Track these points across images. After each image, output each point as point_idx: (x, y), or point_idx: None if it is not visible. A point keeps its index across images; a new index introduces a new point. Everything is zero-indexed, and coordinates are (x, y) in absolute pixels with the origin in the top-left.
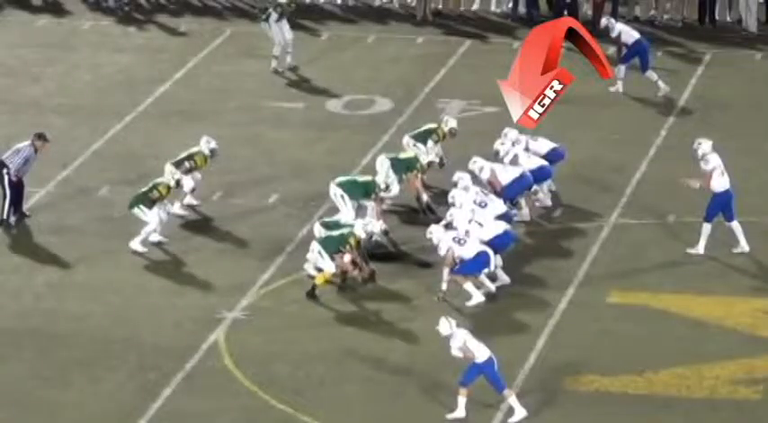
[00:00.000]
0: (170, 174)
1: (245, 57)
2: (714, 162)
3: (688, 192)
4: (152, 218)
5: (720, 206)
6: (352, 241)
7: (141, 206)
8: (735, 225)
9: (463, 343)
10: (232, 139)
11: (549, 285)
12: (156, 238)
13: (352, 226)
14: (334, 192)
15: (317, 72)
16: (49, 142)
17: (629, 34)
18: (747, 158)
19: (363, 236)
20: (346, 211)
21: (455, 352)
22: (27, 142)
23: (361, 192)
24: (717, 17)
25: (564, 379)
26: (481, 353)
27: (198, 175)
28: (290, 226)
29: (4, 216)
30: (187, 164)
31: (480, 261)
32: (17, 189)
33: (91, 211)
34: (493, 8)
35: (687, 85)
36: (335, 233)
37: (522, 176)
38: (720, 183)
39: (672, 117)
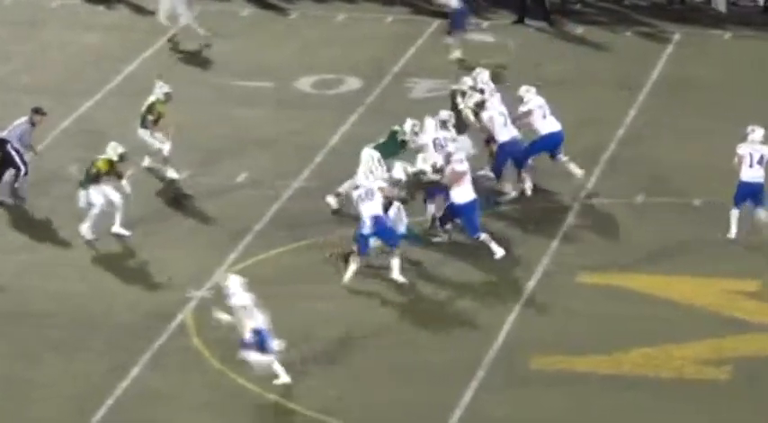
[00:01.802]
0: (113, 149)
1: (215, 36)
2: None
3: (657, 172)
4: (95, 199)
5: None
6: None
7: (86, 186)
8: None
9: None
10: (201, 118)
11: (518, 265)
12: (112, 228)
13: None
14: (371, 155)
15: (285, 51)
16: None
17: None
18: (716, 139)
19: (404, 178)
20: (381, 174)
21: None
22: (24, 118)
23: (392, 148)
24: None
25: (532, 358)
26: None
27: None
28: (259, 205)
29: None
30: (150, 117)
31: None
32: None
33: (60, 189)
34: None
35: (656, 65)
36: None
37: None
38: (747, 173)
39: (641, 97)
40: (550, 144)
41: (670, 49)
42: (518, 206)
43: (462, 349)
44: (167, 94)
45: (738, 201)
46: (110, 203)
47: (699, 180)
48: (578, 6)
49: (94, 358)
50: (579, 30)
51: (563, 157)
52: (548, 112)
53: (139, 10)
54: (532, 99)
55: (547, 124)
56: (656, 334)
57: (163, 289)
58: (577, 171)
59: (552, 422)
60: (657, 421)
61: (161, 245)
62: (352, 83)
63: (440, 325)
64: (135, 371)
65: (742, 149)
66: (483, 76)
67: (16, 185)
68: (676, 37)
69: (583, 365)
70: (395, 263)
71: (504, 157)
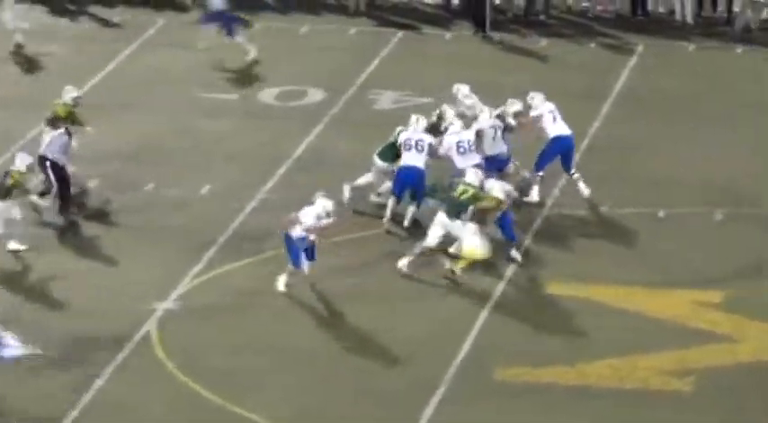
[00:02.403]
0: (20, 160)
1: (178, 47)
2: None
3: (622, 182)
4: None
5: None
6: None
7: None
8: None
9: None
10: (165, 129)
11: (484, 275)
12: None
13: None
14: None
15: (249, 63)
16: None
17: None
18: (680, 149)
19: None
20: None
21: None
22: (60, 130)
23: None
24: (649, 8)
25: (496, 370)
26: None
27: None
28: (223, 216)
29: (61, 208)
30: (50, 115)
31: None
32: (65, 181)
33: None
34: None
35: (620, 76)
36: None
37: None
38: None
39: (605, 108)
40: (561, 148)
41: (634, 60)
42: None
43: (426, 361)
44: (76, 99)
45: None
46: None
47: (664, 190)
48: (542, 18)
49: (58, 371)
50: (543, 42)
51: (575, 174)
52: (558, 116)
53: (103, 22)
54: (540, 104)
55: (557, 128)
56: (622, 345)
57: (127, 301)
58: (585, 191)
59: None
60: None
61: (125, 256)
62: (316, 94)
63: (403, 337)
64: (99, 383)
65: None
66: (463, 89)
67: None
68: (640, 48)
69: (547, 377)
70: (281, 278)
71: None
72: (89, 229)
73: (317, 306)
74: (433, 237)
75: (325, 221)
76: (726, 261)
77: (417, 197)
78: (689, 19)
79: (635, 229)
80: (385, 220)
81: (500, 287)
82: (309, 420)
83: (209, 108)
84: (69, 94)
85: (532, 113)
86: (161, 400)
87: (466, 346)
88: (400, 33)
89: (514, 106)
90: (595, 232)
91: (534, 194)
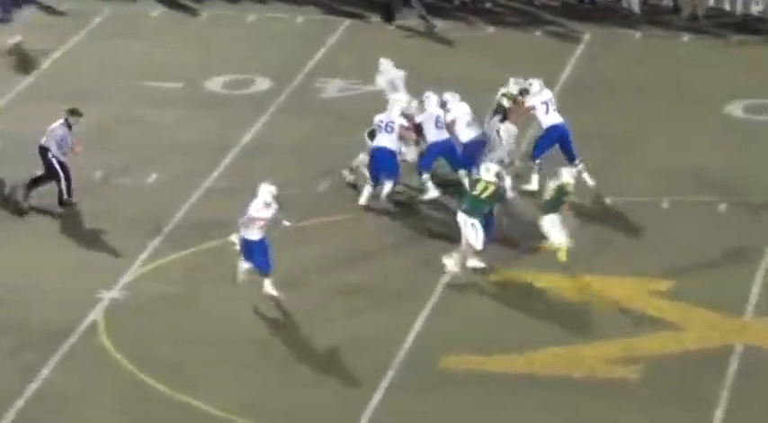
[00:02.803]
0: None
1: (125, 37)
2: None
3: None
4: None
5: None
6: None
7: None
8: None
9: None
10: (112, 118)
11: (428, 265)
12: None
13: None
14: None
15: (196, 52)
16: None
17: None
18: (627, 138)
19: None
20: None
21: None
22: (59, 121)
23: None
24: None
25: (443, 359)
26: None
27: None
28: (170, 205)
29: (65, 196)
30: None
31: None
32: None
33: None
34: None
35: (567, 64)
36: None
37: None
38: None
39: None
40: (555, 137)
41: (581, 48)
42: (427, 207)
43: (372, 351)
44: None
45: None
46: None
47: (611, 179)
48: (489, 5)
49: (3, 359)
50: (490, 29)
51: (579, 166)
52: (552, 106)
53: (50, 10)
54: (538, 93)
55: (550, 118)
56: (568, 333)
57: (73, 289)
58: (590, 182)
59: (462, 422)
60: (569, 420)
61: (72, 245)
62: (263, 83)
63: (349, 327)
64: (45, 372)
65: None
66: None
67: (64, 193)
68: (587, 37)
69: (493, 365)
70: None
71: (433, 157)
72: (36, 217)
73: (262, 296)
74: (473, 238)
75: (272, 210)
76: (674, 249)
77: (380, 178)
78: (636, 8)
79: (581, 217)
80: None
81: (446, 276)
82: (256, 409)
83: (155, 97)
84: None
85: (527, 102)
86: (107, 390)
87: (411, 336)
88: (347, 22)
89: (515, 87)
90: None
91: (534, 182)
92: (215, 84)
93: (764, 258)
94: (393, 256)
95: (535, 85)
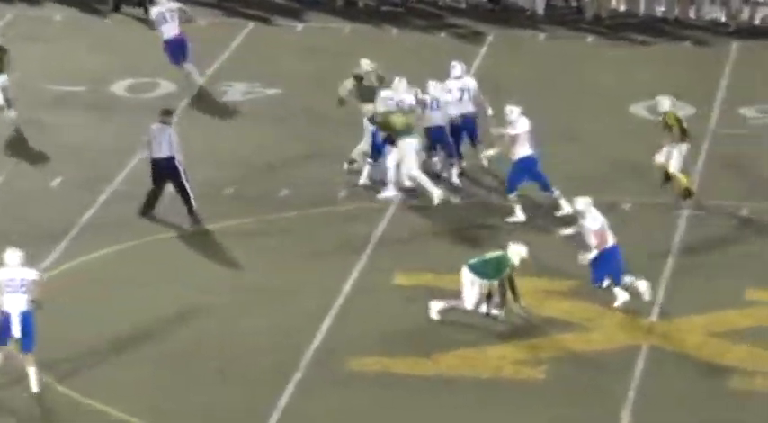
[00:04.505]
0: None
1: (27, 40)
2: None
3: (470, 173)
4: None
5: None
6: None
7: None
8: None
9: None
10: (15, 122)
11: (334, 267)
12: None
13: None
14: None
15: (100, 55)
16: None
17: None
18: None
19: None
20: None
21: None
22: (157, 125)
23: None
24: None
25: (349, 361)
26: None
27: None
28: (74, 209)
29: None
30: None
31: None
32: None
33: None
34: None
35: (471, 66)
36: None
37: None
38: None
39: None
40: (526, 169)
41: (484, 49)
42: (334, 208)
43: (279, 352)
44: None
45: None
46: None
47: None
48: (387, 8)
49: None
50: (394, 31)
51: (556, 192)
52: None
53: None
54: (517, 121)
55: (525, 149)
56: (474, 335)
57: None
58: (567, 208)
59: None
60: (475, 420)
61: None
62: (167, 86)
63: (256, 328)
64: None
65: None
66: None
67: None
68: (490, 38)
69: (401, 367)
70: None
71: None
72: None
73: (169, 298)
74: (470, 298)
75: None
76: (574, 250)
77: (377, 154)
78: (540, 10)
79: (482, 219)
80: (361, 180)
81: (353, 278)
82: (166, 411)
83: (59, 100)
84: None
85: (509, 131)
86: (11, 393)
87: (318, 337)
88: (251, 24)
89: (368, 67)
90: (443, 224)
91: (519, 214)
92: (119, 87)
93: (670, 259)
94: (298, 255)
95: (515, 113)
